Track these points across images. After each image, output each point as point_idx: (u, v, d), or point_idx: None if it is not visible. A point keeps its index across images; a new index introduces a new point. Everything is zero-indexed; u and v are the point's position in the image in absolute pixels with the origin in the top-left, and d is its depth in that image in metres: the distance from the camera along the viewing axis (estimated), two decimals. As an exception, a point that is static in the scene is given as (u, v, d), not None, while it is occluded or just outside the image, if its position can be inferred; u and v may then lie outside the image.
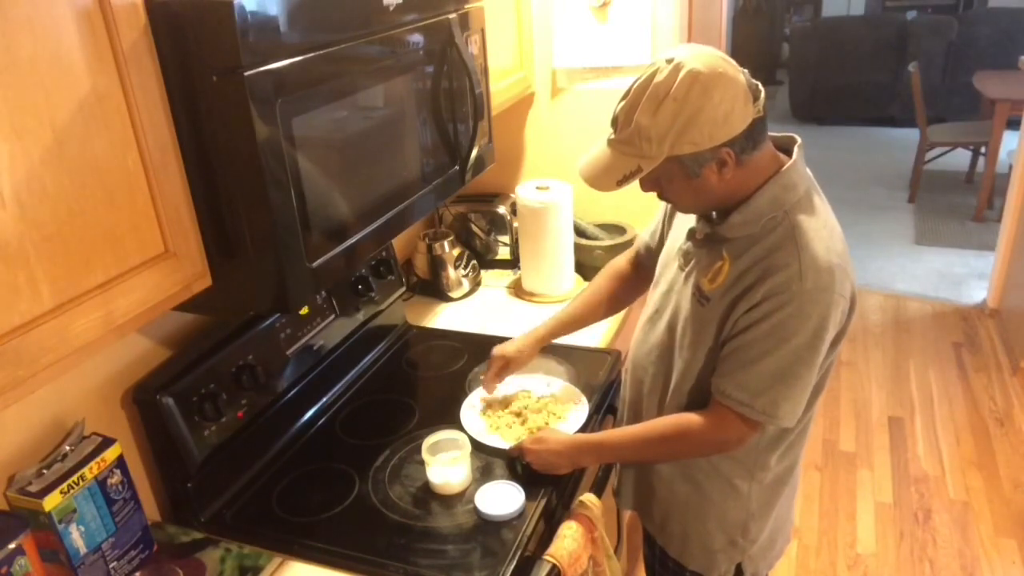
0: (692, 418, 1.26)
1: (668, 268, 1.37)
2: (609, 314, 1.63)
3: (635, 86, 1.13)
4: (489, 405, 1.59)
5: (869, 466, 2.97)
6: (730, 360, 1.21)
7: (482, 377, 1.61)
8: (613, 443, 1.38)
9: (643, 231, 1.58)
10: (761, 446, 1.30)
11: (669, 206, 1.48)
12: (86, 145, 0.86)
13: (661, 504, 1.44)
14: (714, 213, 1.26)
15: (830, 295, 1.14)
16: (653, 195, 1.48)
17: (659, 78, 1.10)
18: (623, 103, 1.15)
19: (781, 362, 1.16)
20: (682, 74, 1.08)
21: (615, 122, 1.17)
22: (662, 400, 1.36)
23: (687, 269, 1.30)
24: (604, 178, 1.17)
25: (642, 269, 1.57)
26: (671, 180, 1.18)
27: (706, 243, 1.26)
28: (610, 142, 1.18)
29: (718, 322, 1.22)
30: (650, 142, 1.11)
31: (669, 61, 1.10)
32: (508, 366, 1.56)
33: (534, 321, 1.96)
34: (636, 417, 1.44)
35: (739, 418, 1.21)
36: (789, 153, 1.22)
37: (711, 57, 1.10)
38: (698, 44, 1.16)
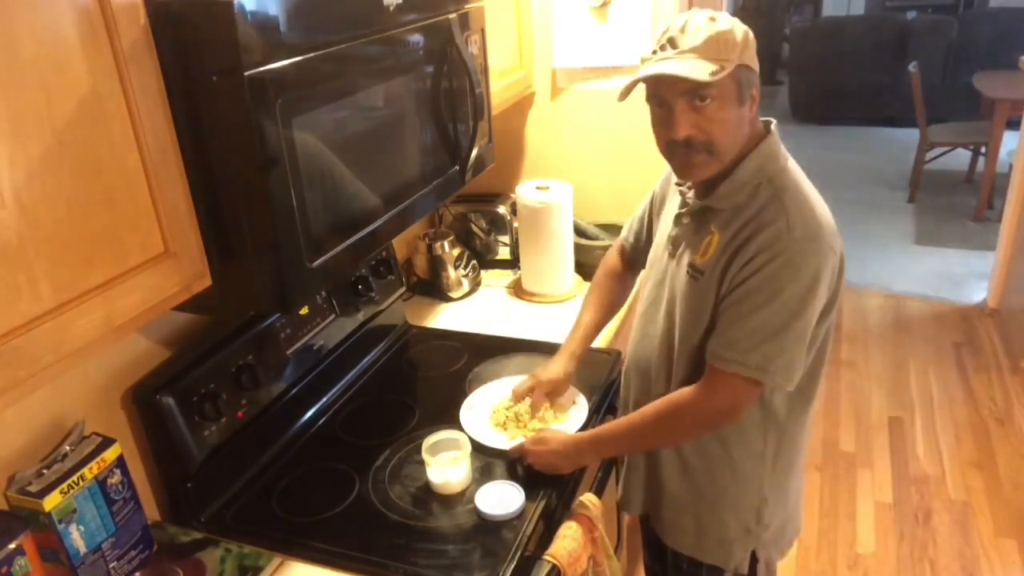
0: (686, 391, 1.27)
1: (658, 261, 1.39)
2: (618, 310, 1.67)
3: (679, 24, 1.16)
4: (489, 406, 1.59)
5: (869, 466, 2.96)
6: (722, 319, 1.22)
7: (514, 389, 1.59)
8: (611, 434, 1.38)
9: (624, 228, 1.63)
10: (768, 426, 1.31)
11: (653, 207, 1.51)
12: (86, 145, 0.86)
13: (672, 501, 1.44)
14: (693, 194, 1.29)
15: (819, 245, 1.17)
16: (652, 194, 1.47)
17: (701, 18, 1.16)
18: (672, 33, 1.15)
19: (772, 315, 1.17)
20: (721, 14, 1.17)
21: (672, 41, 1.14)
22: (668, 384, 1.37)
23: (677, 253, 1.32)
24: (693, 73, 1.12)
25: (629, 262, 1.63)
26: (724, 103, 1.15)
27: (693, 220, 1.29)
28: (680, 54, 1.13)
29: (715, 291, 1.23)
30: (726, 46, 1.14)
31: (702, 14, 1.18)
32: (557, 391, 1.57)
33: (534, 321, 1.97)
34: None
35: (733, 379, 1.20)
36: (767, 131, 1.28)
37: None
38: None
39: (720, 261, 1.22)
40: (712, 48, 1.13)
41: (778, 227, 1.16)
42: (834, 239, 1.20)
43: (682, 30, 1.15)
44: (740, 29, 1.16)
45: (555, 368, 1.57)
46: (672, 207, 1.38)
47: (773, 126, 1.28)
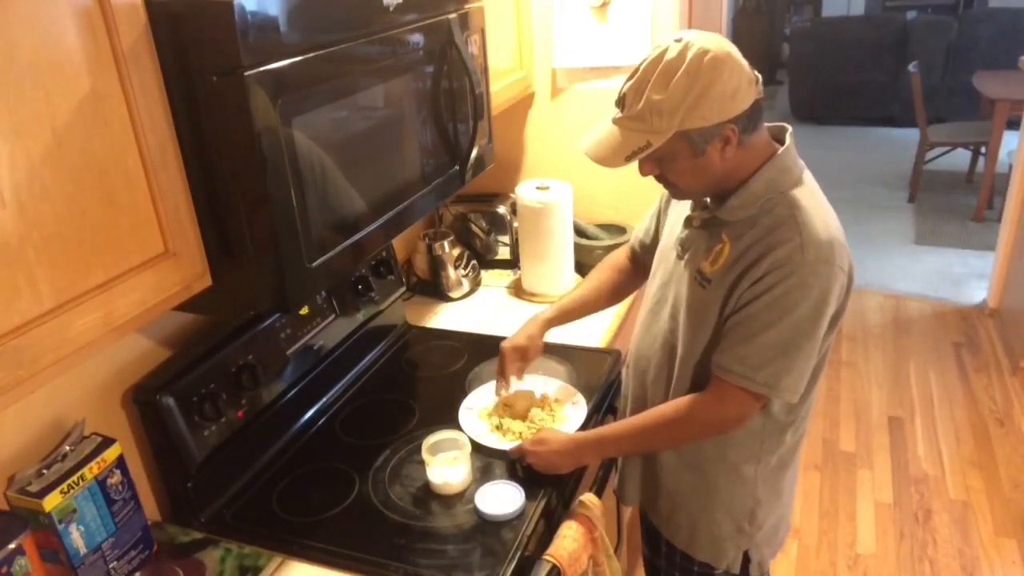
0: (692, 399, 1.28)
1: (665, 260, 1.38)
2: (610, 304, 1.64)
3: (644, 65, 1.15)
4: (489, 406, 1.59)
5: (869, 466, 2.97)
6: (731, 335, 1.22)
7: (501, 384, 1.56)
8: (614, 436, 1.38)
9: (637, 228, 1.60)
10: (767, 429, 1.31)
11: (661, 204, 1.50)
12: (86, 145, 0.86)
13: (667, 496, 1.44)
14: (708, 200, 1.28)
15: (831, 267, 1.16)
16: (652, 195, 1.47)
17: (670, 55, 1.12)
18: (631, 82, 1.16)
19: (783, 334, 1.17)
20: (693, 51, 1.11)
21: (621, 101, 1.18)
22: (667, 388, 1.37)
23: (686, 257, 1.31)
24: (612, 155, 1.18)
25: (638, 264, 1.60)
26: (675, 158, 1.18)
27: (704, 228, 1.28)
28: (617, 120, 1.19)
29: (721, 302, 1.23)
30: (661, 116, 1.12)
31: (678, 41, 1.13)
32: (525, 356, 1.56)
33: (534, 321, 1.97)
34: (642, 410, 1.44)
35: (740, 392, 1.21)
36: (781, 141, 1.25)
37: (717, 38, 1.14)
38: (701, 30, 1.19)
39: (730, 274, 1.21)
40: (646, 119, 1.13)
41: (791, 247, 1.16)
42: (844, 257, 1.19)
43: (628, 89, 1.16)
44: (692, 86, 1.09)
45: (519, 334, 1.56)
46: (683, 207, 1.36)
47: (788, 135, 1.25)
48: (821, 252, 1.16)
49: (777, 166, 1.21)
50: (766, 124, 1.24)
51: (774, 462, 1.35)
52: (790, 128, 1.26)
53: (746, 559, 1.42)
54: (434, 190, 1.44)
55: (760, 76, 1.18)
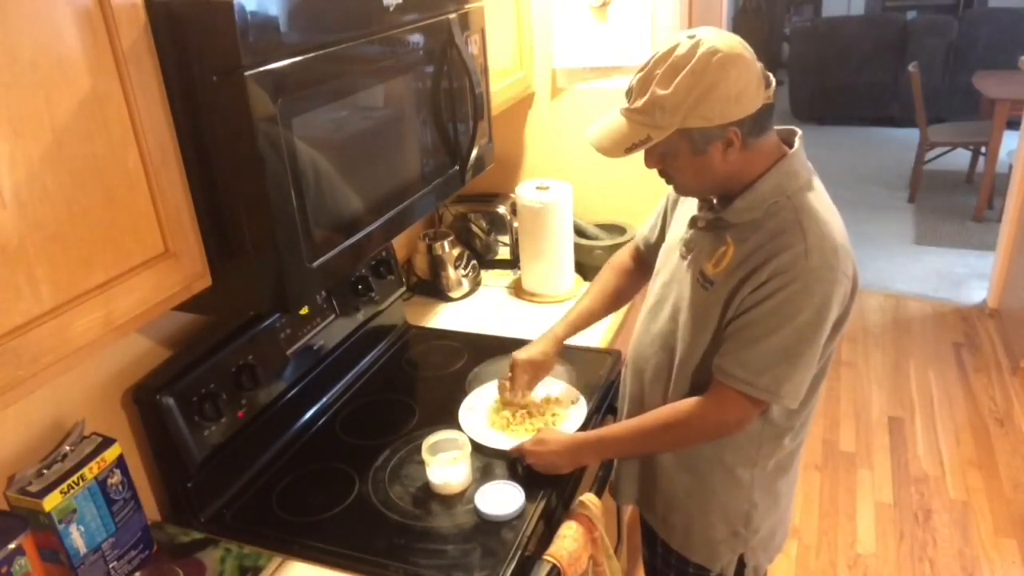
0: (692, 402, 1.27)
1: (669, 259, 1.38)
2: (616, 308, 1.64)
3: (654, 59, 1.15)
4: (489, 406, 1.59)
5: (869, 466, 2.96)
6: (733, 339, 1.21)
7: (506, 385, 1.56)
8: (613, 437, 1.38)
9: (642, 227, 1.60)
10: (765, 433, 1.31)
11: (668, 203, 1.50)
12: (86, 145, 0.86)
13: (663, 496, 1.44)
14: (715, 200, 1.27)
15: (835, 274, 1.16)
16: (652, 195, 1.47)
17: (679, 52, 1.11)
18: (640, 74, 1.16)
19: (785, 340, 1.17)
20: (702, 49, 1.10)
21: (630, 93, 1.18)
22: (665, 388, 1.37)
23: (689, 257, 1.31)
24: (613, 145, 1.18)
25: (642, 263, 1.60)
26: (676, 155, 1.19)
27: (709, 229, 1.27)
28: (623, 111, 1.19)
29: (722, 305, 1.23)
30: (663, 112, 1.12)
31: (691, 37, 1.13)
32: (539, 372, 1.56)
33: (534, 321, 1.97)
34: (639, 411, 1.44)
35: (740, 397, 1.21)
36: (790, 145, 1.24)
37: (731, 38, 1.13)
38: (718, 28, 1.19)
39: (732, 278, 1.21)
40: (648, 113, 1.13)
41: (795, 252, 1.15)
42: (848, 264, 1.19)
43: (637, 81, 1.16)
44: (696, 85, 1.09)
45: (534, 349, 1.56)
46: (689, 207, 1.36)
47: (798, 139, 1.25)
48: (825, 258, 1.15)
49: (784, 170, 1.20)
50: (777, 127, 1.23)
51: (771, 467, 1.35)
52: (800, 132, 1.25)
53: (741, 563, 1.41)
54: (434, 190, 1.44)
55: (774, 80, 1.16)
